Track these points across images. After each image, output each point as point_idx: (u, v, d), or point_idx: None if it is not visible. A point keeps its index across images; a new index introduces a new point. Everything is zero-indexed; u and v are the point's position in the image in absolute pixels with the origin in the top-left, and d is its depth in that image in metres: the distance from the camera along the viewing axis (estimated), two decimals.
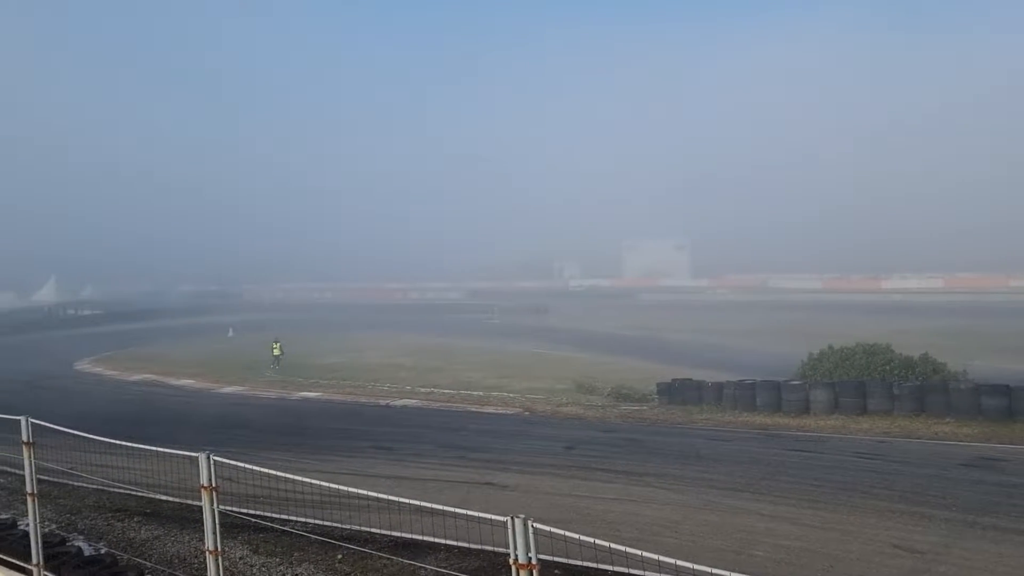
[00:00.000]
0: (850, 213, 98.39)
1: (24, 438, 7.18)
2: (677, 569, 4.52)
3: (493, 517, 4.90)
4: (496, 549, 8.69)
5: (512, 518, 4.56)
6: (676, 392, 22.19)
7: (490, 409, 22.77)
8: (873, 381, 20.05)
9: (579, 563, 7.41)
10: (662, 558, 4.39)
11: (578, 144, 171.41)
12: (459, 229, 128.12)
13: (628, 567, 7.64)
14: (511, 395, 24.92)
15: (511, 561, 4.60)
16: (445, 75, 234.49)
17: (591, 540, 4.58)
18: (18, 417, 7.26)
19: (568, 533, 4.59)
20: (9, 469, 14.55)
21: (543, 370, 31.04)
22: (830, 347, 23.15)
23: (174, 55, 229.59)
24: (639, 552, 4.48)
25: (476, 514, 5.15)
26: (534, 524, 4.56)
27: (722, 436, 18.21)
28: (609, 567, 7.40)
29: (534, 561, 4.58)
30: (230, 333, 53.35)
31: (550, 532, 4.60)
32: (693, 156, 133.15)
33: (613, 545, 4.48)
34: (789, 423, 19.10)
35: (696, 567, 4.08)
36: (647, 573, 8.02)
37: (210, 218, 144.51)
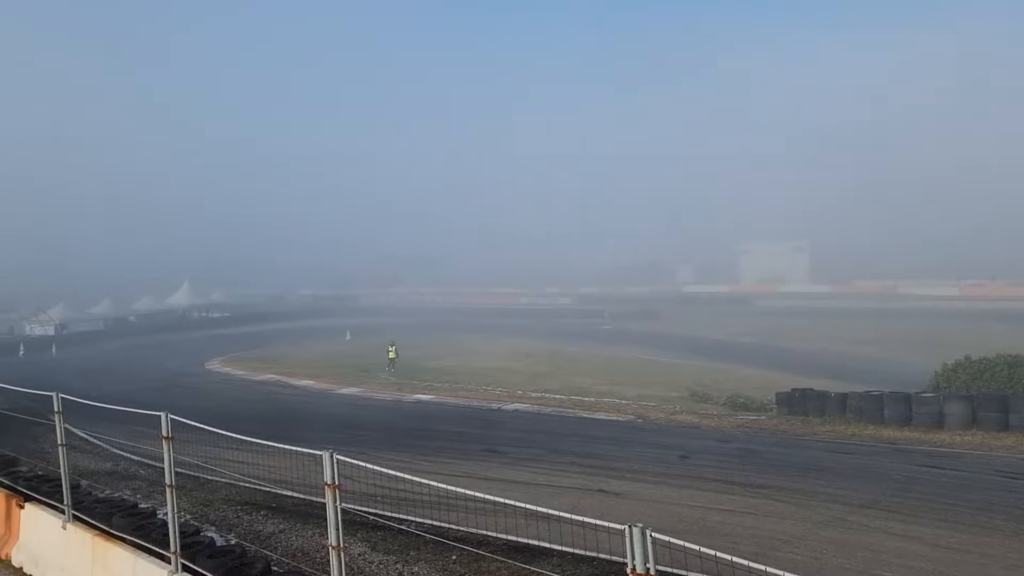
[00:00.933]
0: (992, 214, 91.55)
1: (164, 433, 7.60)
2: None
3: (609, 524, 4.82)
4: (610, 557, 8.59)
5: (630, 526, 4.47)
6: (796, 402, 21.32)
7: (601, 415, 22.55)
8: (1017, 395, 18.62)
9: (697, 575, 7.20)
10: (786, 574, 4.19)
11: (690, 142, 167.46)
12: (569, 233, 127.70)
13: None
14: (623, 401, 24.60)
15: (628, 570, 4.50)
16: (555, 75, 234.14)
17: (712, 552, 4.41)
18: (159, 413, 7.69)
19: (687, 544, 4.44)
20: (148, 461, 15.56)
21: (655, 377, 30.53)
22: (967, 358, 21.68)
23: (294, 61, 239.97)
24: (762, 567, 4.29)
25: (591, 520, 5.07)
26: (652, 533, 4.45)
27: (846, 449, 17.35)
28: None
29: (652, 572, 4.46)
30: (347, 336, 55.16)
31: (668, 542, 4.47)
32: (814, 154, 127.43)
33: (735, 559, 4.31)
34: (920, 437, 17.98)
35: None
36: None
37: (331, 224, 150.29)
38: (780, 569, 4.16)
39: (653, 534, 4.46)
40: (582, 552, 9.12)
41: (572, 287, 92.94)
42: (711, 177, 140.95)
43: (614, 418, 22.10)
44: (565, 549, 9.23)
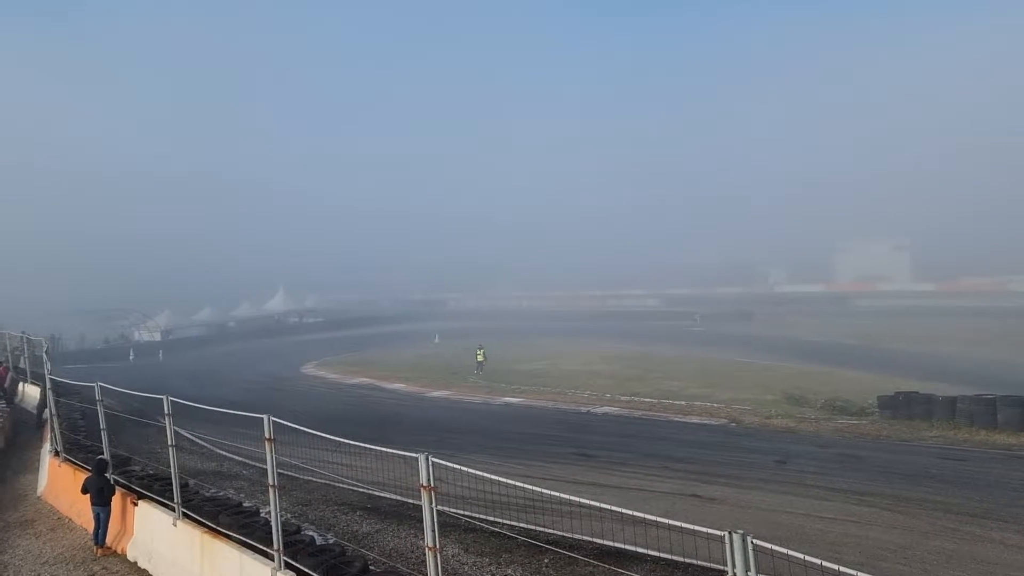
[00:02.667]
0: None
1: (266, 435, 7.86)
2: None
3: (707, 530, 4.71)
4: (706, 564, 8.40)
5: (730, 533, 4.36)
6: (900, 406, 20.40)
7: (694, 419, 22.14)
8: None
9: None
10: None
11: (784, 136, 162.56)
12: (657, 234, 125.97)
13: None
14: (715, 405, 24.09)
15: None
16: (629, 70, 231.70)
17: (816, 561, 4.25)
18: (260, 416, 7.96)
19: (790, 552, 4.29)
20: (250, 462, 16.15)
21: (749, 380, 29.78)
22: None
23: (387, 62, 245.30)
24: None
25: (687, 526, 4.96)
26: (754, 540, 4.32)
27: (956, 455, 16.49)
28: None
29: None
30: (436, 339, 55.95)
31: (771, 550, 4.34)
32: (915, 148, 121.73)
33: (842, 568, 4.14)
34: None
35: None
36: None
37: (420, 229, 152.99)
38: None
39: (754, 541, 4.33)
40: (678, 558, 8.96)
41: (660, 289, 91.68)
42: (804, 172, 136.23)
43: (707, 422, 21.66)
44: (659, 554, 9.08)
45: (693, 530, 4.83)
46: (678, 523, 5.07)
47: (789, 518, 12.05)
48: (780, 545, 4.35)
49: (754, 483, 14.39)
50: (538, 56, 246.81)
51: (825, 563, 4.17)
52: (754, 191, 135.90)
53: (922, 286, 74.11)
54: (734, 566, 4.37)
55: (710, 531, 4.64)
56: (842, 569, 4.11)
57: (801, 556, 4.27)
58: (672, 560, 9.10)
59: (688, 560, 8.88)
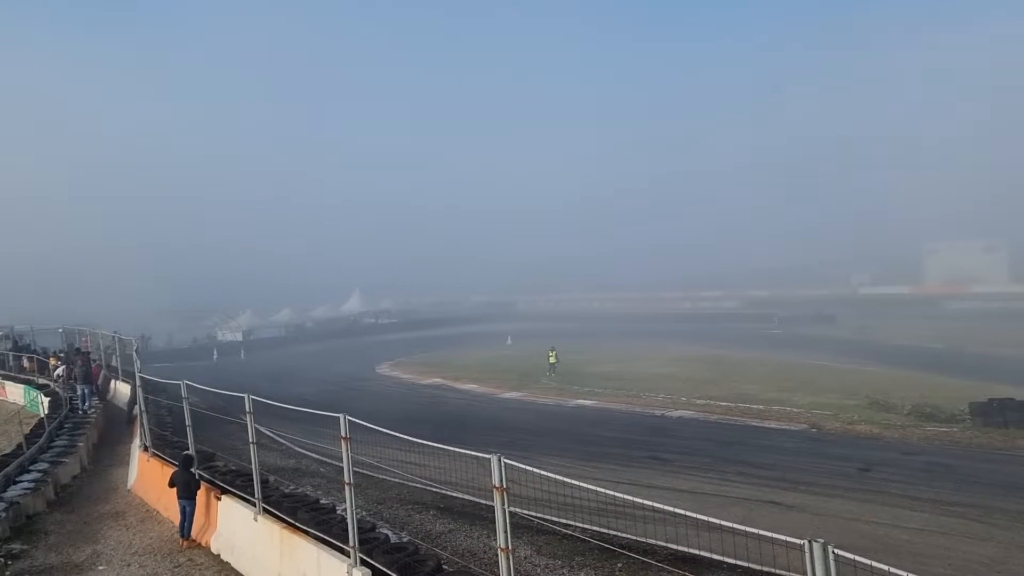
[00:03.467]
0: None
1: (343, 434, 8.00)
2: None
3: (786, 538, 4.56)
4: (784, 573, 8.18)
5: (810, 541, 4.21)
6: (994, 412, 19.45)
7: (772, 424, 21.59)
8: None
9: None
10: None
11: (865, 132, 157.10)
12: (736, 236, 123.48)
13: None
14: (794, 410, 23.44)
15: None
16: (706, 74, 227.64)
17: (903, 574, 4.05)
18: (336, 415, 8.10)
19: (874, 563, 4.11)
20: (326, 459, 16.50)
21: (830, 384, 28.87)
22: None
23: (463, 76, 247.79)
24: None
25: (765, 533, 4.82)
26: (835, 550, 4.16)
27: None
28: None
29: None
30: (508, 341, 56.12)
31: (853, 560, 4.16)
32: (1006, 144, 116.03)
33: None
34: None
35: None
36: None
37: (492, 232, 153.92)
38: None
39: (836, 551, 4.17)
40: (755, 566, 8.74)
41: (738, 291, 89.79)
42: (892, 172, 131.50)
43: (785, 427, 21.09)
44: (736, 561, 8.88)
45: (771, 537, 4.69)
46: (755, 530, 4.92)
47: (872, 528, 11.63)
48: (863, 555, 4.17)
49: (835, 491, 13.95)
50: (600, 56, 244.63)
51: None
52: (839, 192, 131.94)
53: (1018, 288, 70.41)
54: (813, 575, 4.21)
55: (789, 539, 4.48)
56: None
57: (886, 568, 4.08)
58: (749, 568, 8.88)
59: (766, 568, 8.66)
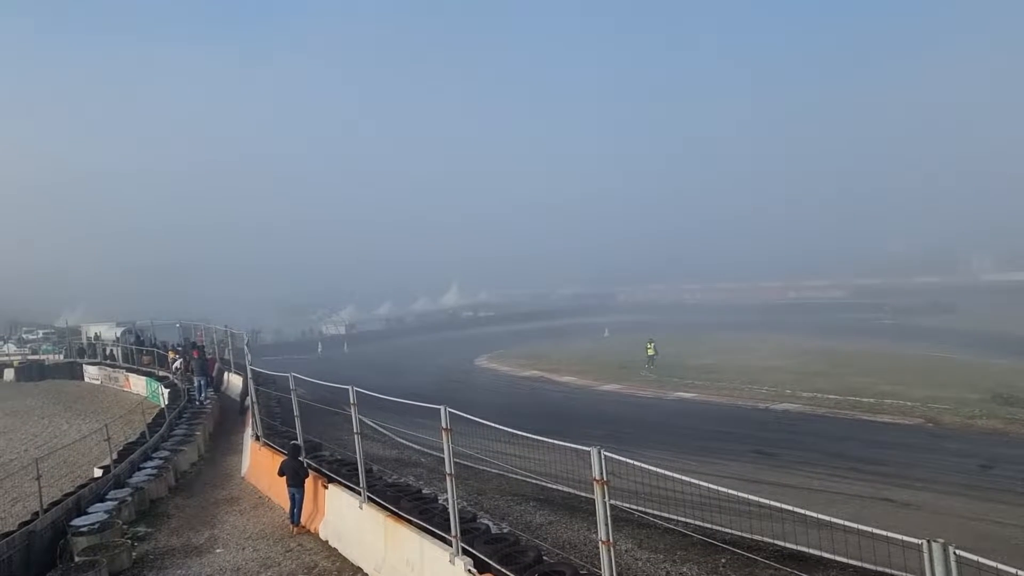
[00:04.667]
0: None
1: (443, 425, 8.12)
2: None
3: (902, 538, 4.35)
4: (899, 573, 7.80)
5: (929, 541, 3.99)
6: None
7: (884, 418, 20.65)
8: None
9: None
10: None
11: (987, 106, 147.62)
12: (845, 221, 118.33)
13: None
14: (909, 404, 22.34)
15: None
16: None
17: None
18: (437, 406, 8.23)
19: (1001, 566, 3.86)
20: (427, 450, 16.81)
21: (948, 377, 27.38)
22: None
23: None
24: None
25: (879, 532, 4.61)
26: (957, 551, 3.93)
27: None
28: None
29: None
30: (606, 333, 55.75)
31: (976, 562, 3.93)
32: None
33: None
34: None
35: None
36: None
37: (591, 222, 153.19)
38: None
39: (958, 551, 3.94)
40: (868, 566, 8.37)
41: (847, 279, 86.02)
42: (1012, 144, 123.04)
43: (899, 421, 20.15)
44: (848, 560, 8.53)
45: (886, 536, 4.48)
46: (868, 528, 4.72)
47: (996, 528, 10.98)
48: (986, 557, 3.93)
49: (955, 488, 13.25)
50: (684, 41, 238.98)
51: None
52: (954, 170, 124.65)
53: None
54: None
55: (905, 539, 4.27)
56: None
57: (1013, 571, 3.84)
58: (862, 568, 8.51)
59: (880, 568, 8.27)
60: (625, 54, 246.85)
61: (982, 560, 3.91)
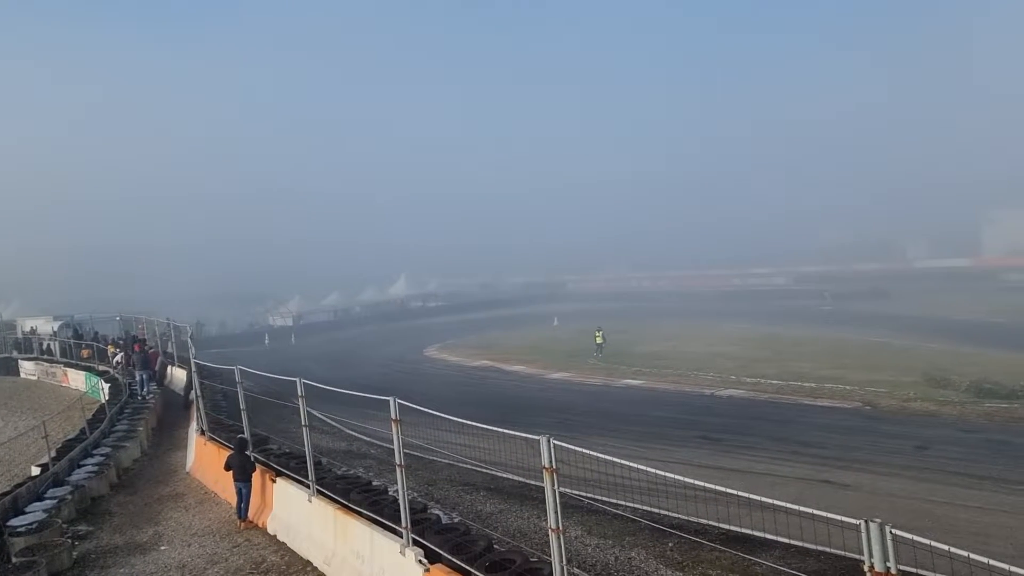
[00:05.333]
0: None
1: (393, 416, 8.09)
2: None
3: (841, 518, 4.48)
4: (839, 552, 8.04)
5: (867, 521, 4.13)
6: None
7: (825, 402, 21.24)
8: None
9: None
10: None
11: (915, 102, 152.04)
12: (785, 210, 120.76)
13: None
14: (848, 388, 23.01)
15: (866, 568, 4.17)
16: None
17: (963, 553, 3.96)
18: (386, 397, 8.19)
19: (933, 543, 4.02)
20: (377, 442, 16.72)
21: (885, 361, 28.26)
22: None
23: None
24: None
25: (820, 513, 4.74)
26: (893, 530, 4.08)
27: None
28: None
29: (893, 571, 4.10)
30: (555, 322, 56.03)
31: (911, 540, 4.08)
32: None
33: (991, 562, 3.84)
34: None
35: None
36: None
37: (537, 211, 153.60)
38: None
39: (894, 531, 4.09)
40: (809, 545, 8.62)
41: (790, 266, 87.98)
42: (944, 138, 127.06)
43: (839, 405, 20.74)
44: (790, 541, 8.75)
45: (826, 517, 4.62)
46: (809, 509, 4.85)
47: (931, 507, 11.40)
48: (921, 535, 4.08)
49: (891, 469, 13.70)
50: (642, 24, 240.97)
51: (972, 555, 3.89)
52: (889, 161, 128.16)
53: None
54: (871, 556, 4.14)
55: (844, 519, 4.41)
56: (992, 562, 3.82)
57: (945, 547, 3.99)
58: (803, 547, 8.76)
59: (820, 548, 8.52)
60: (573, 37, 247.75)
61: (916, 538, 4.06)
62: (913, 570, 6.78)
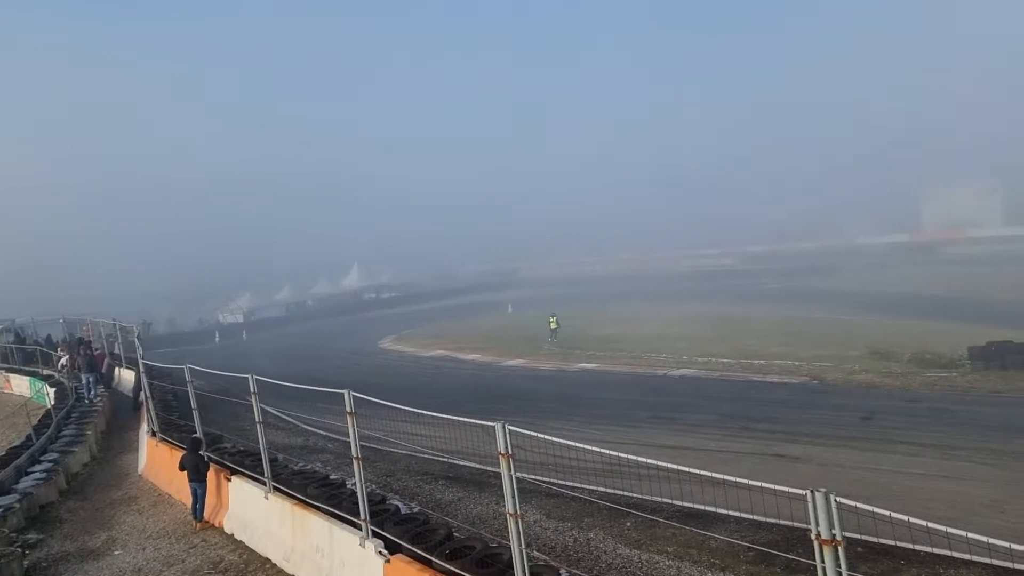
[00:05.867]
0: None
1: (348, 409, 8.07)
2: (1012, 553, 3.96)
3: (789, 490, 4.63)
4: (789, 523, 8.30)
5: (812, 491, 4.28)
6: (993, 356, 19.59)
7: (774, 378, 21.73)
8: None
9: (887, 542, 6.81)
10: (992, 540, 3.86)
11: (849, 84, 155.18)
12: (730, 190, 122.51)
13: (948, 548, 6.88)
14: (796, 363, 23.56)
15: (813, 536, 4.32)
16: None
17: (903, 518, 4.14)
18: (341, 391, 8.16)
19: (876, 509, 4.19)
20: (334, 436, 16.64)
21: (831, 336, 28.98)
22: None
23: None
24: (963, 533, 3.97)
25: (769, 486, 4.89)
26: (837, 498, 4.24)
27: None
28: (924, 547, 6.71)
29: (839, 537, 4.26)
30: (509, 309, 56.18)
31: (855, 507, 4.24)
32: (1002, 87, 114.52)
33: (932, 524, 4.02)
34: None
35: None
36: (967, 556, 7.21)
37: (488, 199, 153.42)
38: (983, 535, 3.85)
39: (838, 499, 4.25)
40: (761, 518, 8.88)
41: (737, 247, 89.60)
42: (882, 117, 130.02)
43: (788, 380, 21.23)
44: (742, 515, 9.02)
45: (775, 490, 4.76)
46: (759, 483, 5.00)
47: (875, 475, 11.79)
48: (866, 503, 4.25)
49: (838, 441, 14.11)
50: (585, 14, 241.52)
51: (913, 519, 4.06)
52: (831, 140, 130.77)
53: (1014, 230, 70.05)
54: (818, 525, 4.29)
55: (793, 490, 4.56)
56: (931, 525, 4.00)
57: (887, 513, 4.17)
58: (755, 520, 9.02)
59: (771, 520, 8.79)
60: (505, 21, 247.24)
61: (860, 505, 4.23)
62: (858, 536, 7.07)
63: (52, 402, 21.74)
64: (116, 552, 11.36)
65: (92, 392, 23.55)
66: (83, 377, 24.07)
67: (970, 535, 3.95)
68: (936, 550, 7.39)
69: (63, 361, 28.54)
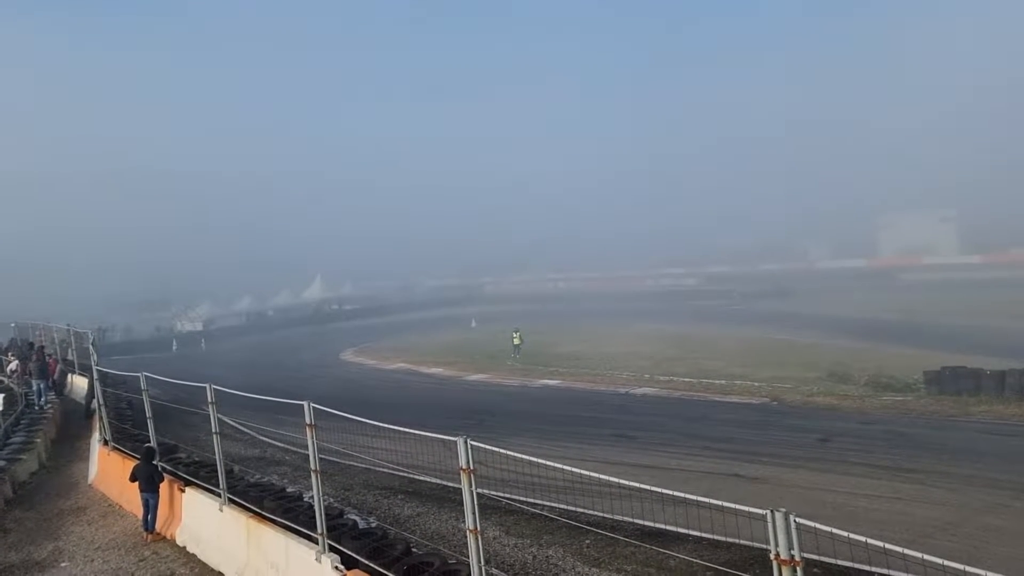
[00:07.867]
0: None
1: (307, 421, 7.95)
2: None
3: (749, 509, 4.65)
4: (748, 543, 8.33)
5: (772, 511, 4.30)
6: (947, 381, 19.98)
7: (734, 398, 21.93)
8: None
9: (844, 563, 6.85)
10: (947, 562, 3.90)
11: (815, 111, 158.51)
12: (694, 213, 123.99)
13: (904, 570, 6.95)
14: (756, 384, 23.83)
15: (772, 556, 4.34)
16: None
17: (861, 539, 4.17)
18: (301, 402, 8.04)
19: (834, 530, 4.22)
20: (292, 448, 16.39)
21: (790, 358, 29.38)
22: None
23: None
24: (919, 554, 4.01)
25: (729, 505, 4.90)
26: (796, 519, 4.26)
27: (1006, 431, 16.12)
28: (880, 569, 6.78)
29: (797, 558, 4.28)
30: (473, 324, 56.10)
31: (814, 528, 4.27)
32: (957, 117, 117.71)
33: (888, 545, 4.05)
34: None
35: (988, 574, 3.60)
36: None
37: (454, 214, 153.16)
38: (937, 557, 3.89)
39: (797, 519, 4.27)
40: (720, 538, 8.89)
41: (699, 267, 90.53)
42: (841, 147, 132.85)
43: (747, 401, 21.45)
44: (701, 534, 9.02)
45: (735, 509, 4.77)
46: (719, 502, 5.01)
47: (833, 496, 11.91)
48: (824, 523, 4.28)
49: (796, 462, 14.25)
50: (542, 32, 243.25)
51: (871, 540, 4.09)
52: (792, 166, 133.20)
53: (969, 258, 71.85)
54: (777, 545, 4.31)
55: (752, 510, 4.57)
56: (888, 547, 4.03)
57: (845, 534, 4.20)
58: (715, 540, 9.03)
59: (731, 539, 8.81)
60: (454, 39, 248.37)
61: (819, 526, 4.25)
62: (816, 557, 7.11)
63: (0, 408, 21.12)
64: (63, 564, 11.02)
65: (43, 399, 22.92)
66: (34, 383, 23.43)
67: (925, 557, 3.98)
68: (892, 572, 7.47)
69: (13, 366, 27.77)
